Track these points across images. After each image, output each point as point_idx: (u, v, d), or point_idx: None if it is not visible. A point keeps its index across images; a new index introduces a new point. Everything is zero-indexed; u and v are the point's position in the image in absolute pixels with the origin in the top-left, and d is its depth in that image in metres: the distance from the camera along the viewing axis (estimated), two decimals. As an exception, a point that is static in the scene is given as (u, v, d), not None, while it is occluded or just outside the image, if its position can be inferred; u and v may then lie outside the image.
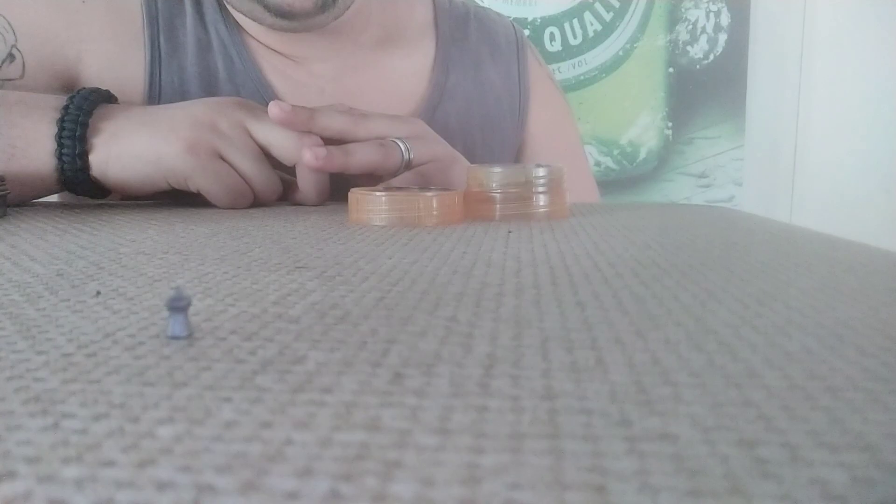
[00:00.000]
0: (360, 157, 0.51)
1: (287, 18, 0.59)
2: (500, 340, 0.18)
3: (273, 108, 0.49)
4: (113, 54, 0.62)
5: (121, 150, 0.50)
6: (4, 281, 0.26)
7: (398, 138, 0.53)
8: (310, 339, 0.18)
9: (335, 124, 0.52)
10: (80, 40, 0.62)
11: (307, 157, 0.49)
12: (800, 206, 1.70)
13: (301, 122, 0.50)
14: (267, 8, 0.59)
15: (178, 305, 0.19)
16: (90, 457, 0.12)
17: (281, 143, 0.52)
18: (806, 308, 0.22)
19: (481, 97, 0.74)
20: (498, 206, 0.44)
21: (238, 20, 0.65)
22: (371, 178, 0.53)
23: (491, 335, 0.19)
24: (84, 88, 0.52)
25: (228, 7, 0.64)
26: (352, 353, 0.17)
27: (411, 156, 0.53)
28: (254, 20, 0.62)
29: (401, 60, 0.71)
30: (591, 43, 1.66)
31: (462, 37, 0.75)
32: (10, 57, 0.59)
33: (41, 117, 0.49)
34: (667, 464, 0.12)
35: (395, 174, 0.53)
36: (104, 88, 0.54)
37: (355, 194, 0.43)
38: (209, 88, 0.63)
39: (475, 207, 0.45)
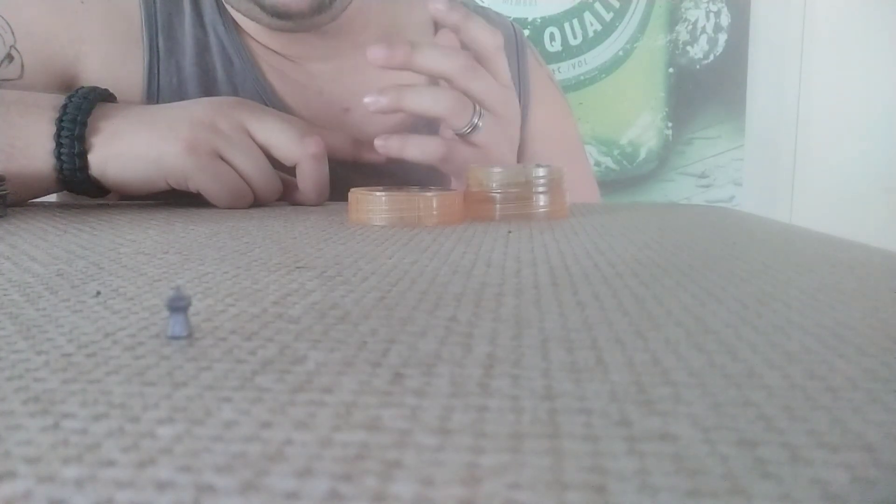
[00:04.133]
0: (426, 103, 0.49)
1: (283, 18, 0.59)
2: (500, 340, 0.18)
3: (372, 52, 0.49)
4: (111, 54, 0.62)
5: (120, 150, 0.50)
6: (4, 281, 0.26)
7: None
8: (310, 339, 0.18)
9: (440, 67, 0.50)
10: (79, 40, 0.62)
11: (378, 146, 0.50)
12: (800, 206, 1.70)
13: (399, 62, 0.49)
14: (263, 8, 0.59)
15: (178, 305, 0.19)
16: (90, 457, 0.12)
17: (281, 143, 0.52)
18: (806, 308, 0.22)
19: None
20: (498, 206, 0.44)
21: (237, 20, 0.65)
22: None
23: (491, 335, 0.19)
24: (83, 87, 0.52)
25: (227, 7, 0.64)
26: (352, 353, 0.17)
27: (480, 123, 0.51)
28: (251, 19, 0.62)
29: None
30: (591, 43, 1.66)
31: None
32: (9, 57, 0.59)
33: (40, 117, 0.49)
34: (667, 464, 0.12)
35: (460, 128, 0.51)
36: (103, 87, 0.54)
37: (355, 194, 0.43)
38: (208, 89, 0.63)
39: (475, 207, 0.45)
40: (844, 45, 1.65)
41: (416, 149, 0.50)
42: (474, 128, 0.51)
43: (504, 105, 0.53)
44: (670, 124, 1.67)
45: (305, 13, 0.59)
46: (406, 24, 0.73)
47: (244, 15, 0.62)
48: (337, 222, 0.43)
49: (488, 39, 0.51)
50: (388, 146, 0.50)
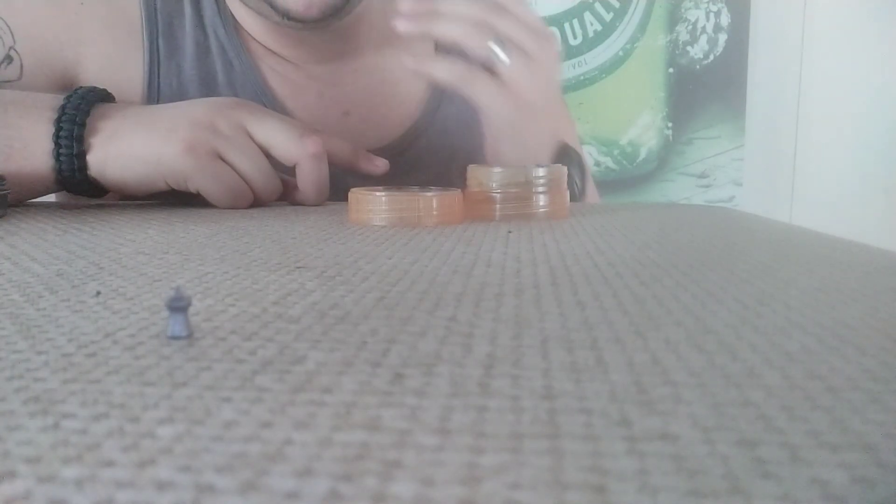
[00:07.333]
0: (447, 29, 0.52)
1: (294, 20, 0.60)
2: (500, 340, 0.18)
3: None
4: (111, 56, 0.62)
5: (119, 151, 0.50)
6: (4, 281, 0.26)
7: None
8: (310, 339, 0.18)
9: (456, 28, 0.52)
10: (79, 42, 0.62)
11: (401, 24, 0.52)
12: (800, 206, 1.70)
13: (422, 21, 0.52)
14: (274, 8, 0.59)
15: (178, 305, 0.19)
16: (90, 457, 0.12)
17: (281, 143, 0.52)
18: (806, 308, 0.22)
19: None
20: (498, 206, 0.44)
21: (238, 21, 0.65)
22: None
23: (491, 335, 0.19)
24: (81, 87, 0.52)
25: (231, 1, 0.64)
26: (352, 353, 0.17)
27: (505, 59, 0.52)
28: (260, 15, 0.61)
29: (400, 63, 0.71)
30: (591, 43, 1.66)
31: None
32: (9, 58, 0.59)
33: (38, 117, 0.49)
34: (667, 464, 0.12)
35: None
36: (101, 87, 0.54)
37: (355, 194, 0.43)
38: (208, 90, 0.63)
39: (475, 207, 0.45)
40: (844, 45, 1.65)
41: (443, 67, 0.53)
42: (494, 56, 0.52)
43: (534, 46, 0.53)
44: (670, 124, 1.67)
45: (317, 19, 0.59)
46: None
47: (254, 10, 0.61)
48: (337, 222, 0.43)
49: None
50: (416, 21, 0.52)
